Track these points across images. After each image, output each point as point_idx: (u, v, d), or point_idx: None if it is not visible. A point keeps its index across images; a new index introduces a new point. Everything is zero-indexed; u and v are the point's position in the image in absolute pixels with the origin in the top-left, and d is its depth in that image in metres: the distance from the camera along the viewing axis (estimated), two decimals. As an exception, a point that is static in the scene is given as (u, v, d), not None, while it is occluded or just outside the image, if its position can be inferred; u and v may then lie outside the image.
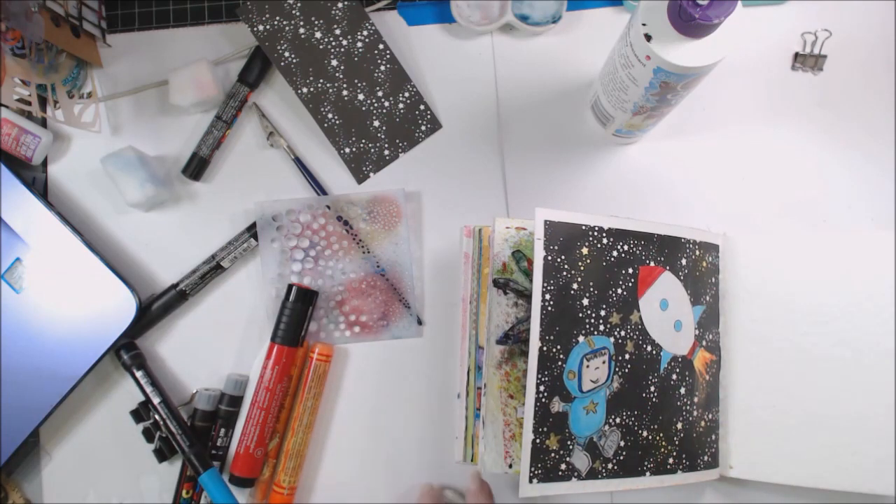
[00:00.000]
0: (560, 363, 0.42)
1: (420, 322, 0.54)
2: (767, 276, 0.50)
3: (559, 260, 0.42)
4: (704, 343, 0.49)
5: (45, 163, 0.56)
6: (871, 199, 0.54)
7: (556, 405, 0.42)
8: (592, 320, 0.43)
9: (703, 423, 0.48)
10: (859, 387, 0.47)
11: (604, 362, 0.43)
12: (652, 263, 0.46)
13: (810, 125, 0.55)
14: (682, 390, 0.47)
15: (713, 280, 0.50)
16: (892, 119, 0.55)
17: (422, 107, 0.56)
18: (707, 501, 0.51)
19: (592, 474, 0.43)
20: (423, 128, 0.56)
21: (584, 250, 0.43)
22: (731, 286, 0.51)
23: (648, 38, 0.39)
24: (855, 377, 0.47)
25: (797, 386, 0.48)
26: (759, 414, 0.49)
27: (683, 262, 0.48)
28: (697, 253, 0.49)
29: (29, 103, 0.52)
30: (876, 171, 0.55)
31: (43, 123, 0.56)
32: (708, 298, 0.50)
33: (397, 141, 0.55)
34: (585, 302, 0.43)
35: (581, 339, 0.43)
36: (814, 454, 0.47)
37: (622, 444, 0.44)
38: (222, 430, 0.52)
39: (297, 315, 0.51)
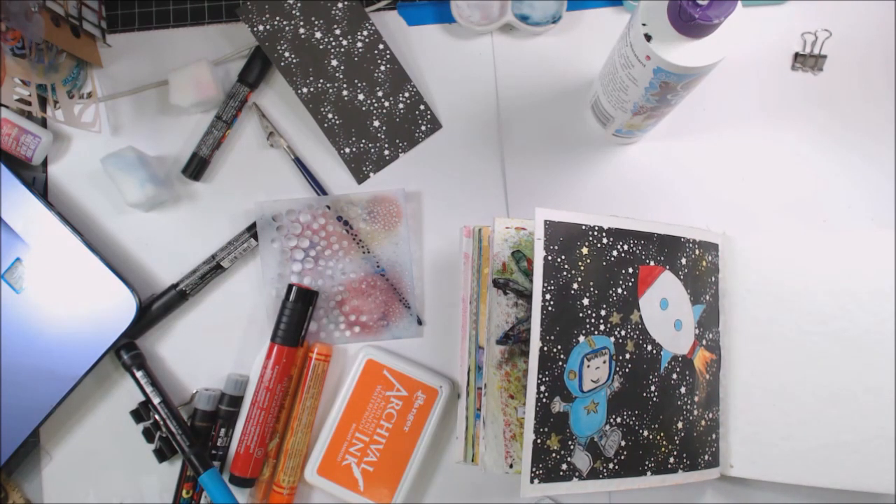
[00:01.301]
0: (561, 363, 0.42)
1: (420, 322, 0.54)
2: (767, 276, 0.50)
3: (559, 260, 0.42)
4: (705, 342, 0.49)
5: (45, 163, 0.56)
6: (871, 198, 0.54)
7: (557, 405, 0.42)
8: (593, 320, 0.43)
9: (703, 423, 0.48)
10: (859, 386, 0.47)
11: (604, 362, 0.43)
12: (652, 263, 0.46)
13: (810, 125, 0.55)
14: (683, 389, 0.47)
15: (713, 279, 0.50)
16: (892, 119, 0.55)
17: (422, 107, 0.56)
18: (708, 501, 0.51)
19: (593, 474, 0.43)
20: (423, 128, 0.56)
21: (584, 250, 0.43)
22: (731, 285, 0.51)
23: (648, 38, 0.39)
24: (855, 376, 0.47)
25: (797, 385, 0.48)
26: (760, 413, 0.49)
27: (683, 261, 0.48)
28: (697, 252, 0.49)
29: (29, 103, 0.52)
30: (876, 171, 0.55)
31: (43, 123, 0.56)
32: (708, 298, 0.50)
33: (397, 141, 0.55)
34: (586, 302, 0.43)
35: (581, 338, 0.42)
36: (814, 453, 0.47)
37: (623, 443, 0.44)
38: (222, 430, 0.52)
39: (297, 315, 0.51)
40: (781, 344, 0.49)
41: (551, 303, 0.41)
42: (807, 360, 0.48)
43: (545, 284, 0.41)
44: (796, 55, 0.56)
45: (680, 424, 0.46)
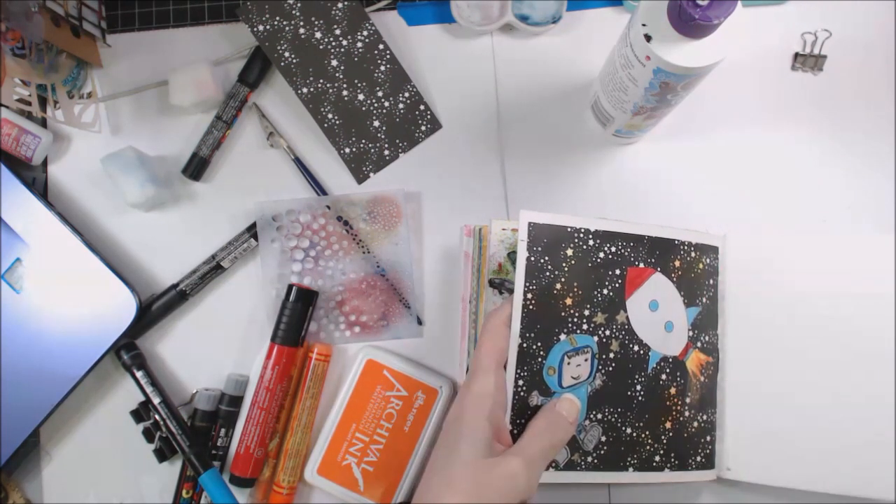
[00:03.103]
0: (540, 359, 0.43)
1: (420, 322, 0.54)
2: (767, 279, 0.50)
3: (542, 261, 0.43)
4: (699, 344, 0.49)
5: (45, 163, 0.56)
6: (871, 198, 0.54)
7: (535, 399, 0.43)
8: (576, 319, 0.44)
9: (696, 424, 0.48)
10: (859, 390, 0.47)
11: (586, 360, 0.44)
12: (641, 265, 0.46)
13: (810, 125, 0.55)
14: (673, 390, 0.47)
15: (711, 282, 0.50)
16: (892, 119, 0.55)
17: (422, 107, 0.56)
18: (705, 502, 0.51)
19: (570, 466, 0.44)
20: (423, 128, 0.56)
21: (569, 252, 0.44)
22: (730, 288, 0.51)
23: (648, 38, 0.39)
24: (855, 380, 0.47)
25: (797, 388, 0.48)
26: (758, 416, 0.49)
27: (677, 263, 0.48)
28: (693, 255, 0.49)
29: (29, 103, 0.52)
30: (875, 171, 0.55)
31: (43, 123, 0.56)
32: (705, 300, 0.49)
33: (397, 141, 0.55)
34: (569, 301, 0.44)
35: (563, 337, 0.43)
36: (812, 457, 0.47)
37: (603, 438, 0.45)
38: (222, 430, 0.52)
39: (297, 315, 0.51)
40: (781, 347, 0.49)
41: (533, 302, 0.42)
42: (806, 365, 0.48)
43: (527, 284, 0.42)
44: (796, 55, 0.56)
45: (668, 424, 0.47)
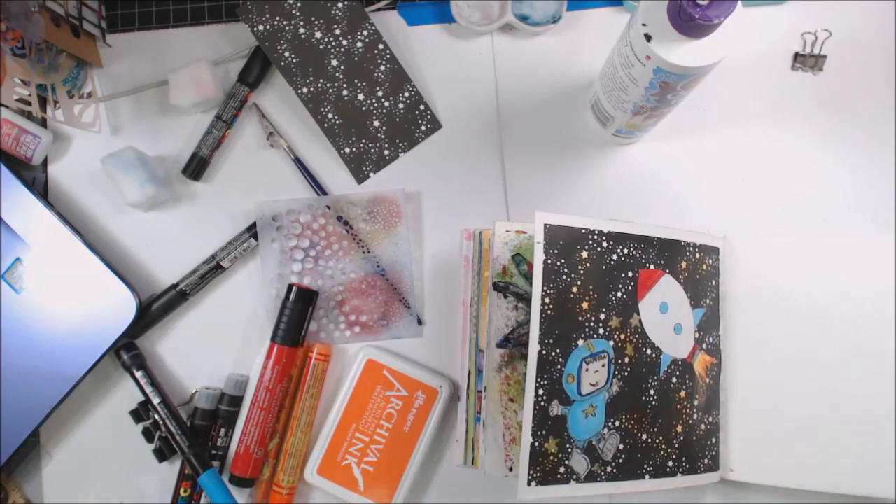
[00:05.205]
0: (559, 367, 0.42)
1: (420, 322, 0.54)
2: (768, 279, 0.50)
3: (559, 263, 0.42)
4: (705, 346, 0.49)
5: (45, 163, 0.56)
6: (871, 199, 0.54)
7: (555, 408, 0.42)
8: (592, 324, 0.43)
9: (703, 427, 0.48)
10: (860, 390, 0.47)
11: (603, 366, 0.43)
12: (652, 267, 0.46)
13: (810, 125, 0.55)
14: (682, 393, 0.47)
15: (713, 283, 0.50)
16: (892, 119, 0.55)
17: (422, 107, 0.56)
18: (708, 502, 0.51)
19: (591, 477, 0.43)
20: (423, 128, 0.56)
21: (584, 254, 0.43)
22: (731, 289, 0.51)
23: (648, 38, 0.39)
24: (855, 380, 0.47)
25: (798, 389, 0.48)
26: (760, 417, 0.49)
27: (683, 265, 0.48)
28: (698, 256, 0.49)
29: (29, 103, 0.52)
30: (875, 172, 0.55)
31: (43, 123, 0.56)
32: (708, 301, 0.49)
33: (397, 141, 0.55)
34: (585, 305, 0.43)
35: (580, 342, 0.42)
36: (814, 457, 0.47)
37: (621, 447, 0.44)
38: (222, 430, 0.52)
39: (297, 315, 0.51)
40: (782, 347, 0.49)
41: (550, 306, 0.41)
42: (807, 364, 0.48)
43: (544, 288, 0.41)
44: (796, 55, 0.56)
45: (679, 428, 0.46)
